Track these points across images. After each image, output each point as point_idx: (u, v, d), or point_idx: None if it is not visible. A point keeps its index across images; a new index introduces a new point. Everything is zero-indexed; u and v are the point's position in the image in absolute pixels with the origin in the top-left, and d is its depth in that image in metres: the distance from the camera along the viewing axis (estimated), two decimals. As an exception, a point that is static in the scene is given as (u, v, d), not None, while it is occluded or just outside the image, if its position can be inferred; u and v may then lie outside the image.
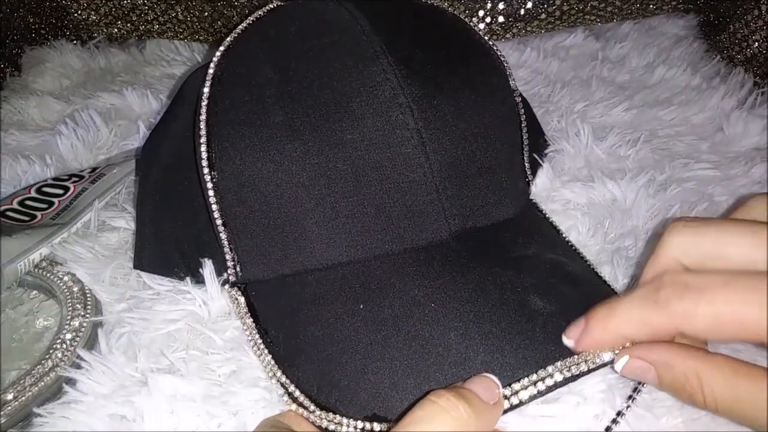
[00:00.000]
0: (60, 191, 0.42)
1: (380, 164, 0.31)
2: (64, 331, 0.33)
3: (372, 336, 0.28)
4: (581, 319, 0.26)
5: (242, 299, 0.32)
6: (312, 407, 0.27)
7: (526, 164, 0.39)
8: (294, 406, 0.28)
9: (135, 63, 0.64)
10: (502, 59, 0.38)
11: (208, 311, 0.33)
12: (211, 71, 0.34)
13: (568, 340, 0.27)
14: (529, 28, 0.65)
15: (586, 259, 0.34)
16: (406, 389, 0.26)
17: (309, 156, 0.30)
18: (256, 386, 0.29)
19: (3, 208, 0.40)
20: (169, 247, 0.36)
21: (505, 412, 0.25)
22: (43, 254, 0.37)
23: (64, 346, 0.32)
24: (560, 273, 0.31)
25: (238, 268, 0.33)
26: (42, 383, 0.31)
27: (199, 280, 0.33)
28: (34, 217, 0.40)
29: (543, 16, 0.64)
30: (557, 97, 0.53)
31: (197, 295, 0.34)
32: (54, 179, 0.43)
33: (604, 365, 0.26)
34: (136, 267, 0.37)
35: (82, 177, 0.43)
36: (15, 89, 0.58)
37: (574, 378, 0.26)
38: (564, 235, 0.36)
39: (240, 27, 0.36)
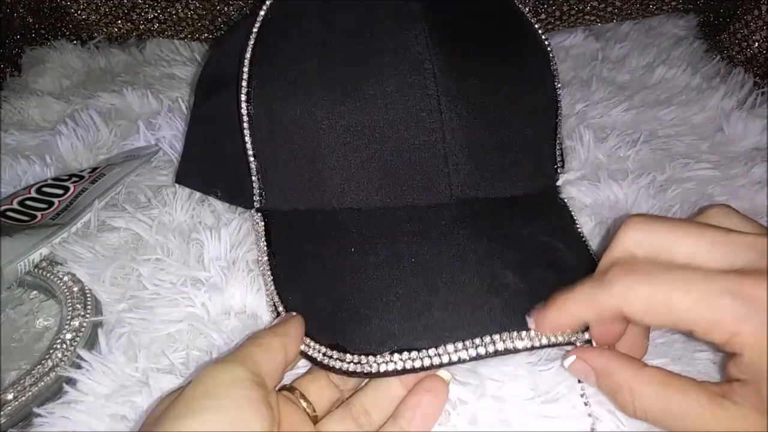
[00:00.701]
0: (60, 191, 0.42)
1: (394, 122, 0.33)
2: (64, 331, 0.33)
3: (352, 279, 0.31)
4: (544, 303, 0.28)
5: (262, 224, 0.35)
6: None
7: (557, 151, 0.39)
8: None
9: (135, 63, 0.63)
10: (546, 44, 0.39)
11: (207, 311, 0.34)
12: (262, 12, 0.36)
13: (530, 322, 0.28)
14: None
15: (591, 254, 0.34)
16: (369, 329, 0.29)
17: (333, 105, 0.33)
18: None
19: (3, 208, 0.40)
20: (214, 168, 0.39)
21: (442, 366, 0.27)
22: (43, 254, 0.37)
23: (64, 346, 0.32)
24: (547, 257, 0.32)
25: (262, 197, 0.36)
26: (42, 383, 0.31)
27: (231, 202, 0.39)
28: (34, 217, 0.40)
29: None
30: (557, 98, 0.53)
31: (197, 295, 0.34)
32: (54, 179, 0.43)
33: (549, 345, 0.28)
34: (177, 182, 0.42)
35: (82, 177, 0.43)
36: (15, 89, 0.58)
37: (516, 351, 0.27)
38: (578, 227, 0.36)
39: None
